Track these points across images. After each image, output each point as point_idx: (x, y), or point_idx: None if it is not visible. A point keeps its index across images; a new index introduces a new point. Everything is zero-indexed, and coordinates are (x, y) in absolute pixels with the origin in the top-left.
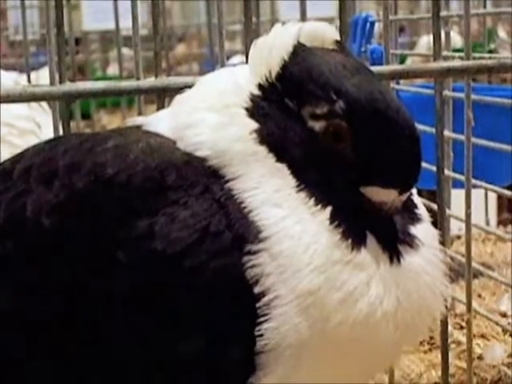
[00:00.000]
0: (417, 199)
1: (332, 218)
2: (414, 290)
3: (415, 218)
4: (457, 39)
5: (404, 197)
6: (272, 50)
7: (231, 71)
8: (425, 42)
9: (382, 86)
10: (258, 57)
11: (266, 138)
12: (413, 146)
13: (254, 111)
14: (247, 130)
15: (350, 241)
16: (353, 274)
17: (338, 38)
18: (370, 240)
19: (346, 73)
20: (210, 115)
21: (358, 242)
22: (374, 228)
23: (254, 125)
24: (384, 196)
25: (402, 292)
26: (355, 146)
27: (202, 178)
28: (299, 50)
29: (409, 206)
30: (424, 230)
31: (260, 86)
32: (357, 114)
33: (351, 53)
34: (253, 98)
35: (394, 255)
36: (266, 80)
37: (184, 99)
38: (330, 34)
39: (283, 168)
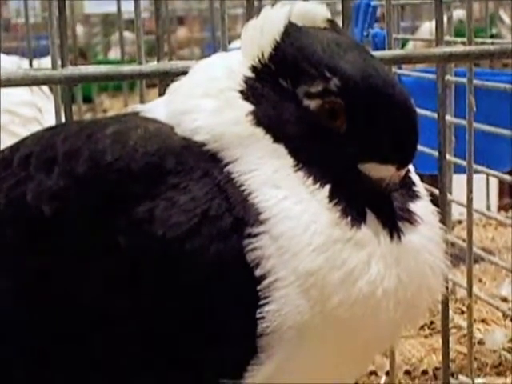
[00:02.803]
0: (415, 177)
1: (331, 197)
2: (414, 268)
3: (414, 195)
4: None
5: (402, 172)
6: (263, 30)
7: (224, 56)
8: (427, 28)
9: (377, 62)
10: (250, 39)
11: (262, 119)
12: (409, 120)
13: (248, 93)
14: (243, 113)
15: (349, 218)
16: (353, 252)
17: (330, 17)
18: (370, 217)
19: (340, 50)
20: (206, 100)
21: (357, 220)
22: (373, 205)
23: (249, 107)
24: (382, 172)
25: (403, 270)
26: (351, 122)
27: (201, 163)
28: (291, 30)
29: (407, 184)
30: (423, 207)
31: (253, 68)
32: (352, 91)
33: (344, 30)
34: (246, 81)
35: (394, 232)
36: (259, 61)
37: (179, 87)
38: (321, 12)
39: (280, 148)
